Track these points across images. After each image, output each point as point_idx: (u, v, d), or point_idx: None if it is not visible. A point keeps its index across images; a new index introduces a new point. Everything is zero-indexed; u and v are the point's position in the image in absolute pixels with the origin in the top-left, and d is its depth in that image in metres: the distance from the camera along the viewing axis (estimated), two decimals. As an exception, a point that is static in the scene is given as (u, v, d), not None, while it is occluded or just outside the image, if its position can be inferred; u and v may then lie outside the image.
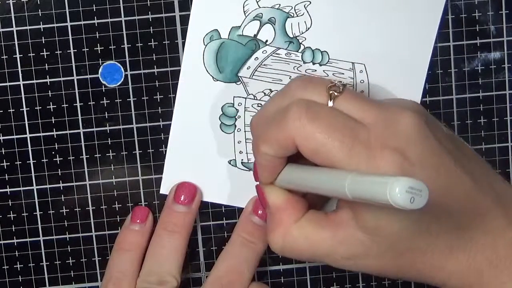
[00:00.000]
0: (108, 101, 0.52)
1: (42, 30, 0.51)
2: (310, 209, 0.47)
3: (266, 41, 0.51)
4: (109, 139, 0.53)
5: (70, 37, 0.52)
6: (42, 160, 0.53)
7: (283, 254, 0.47)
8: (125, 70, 0.52)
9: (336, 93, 0.43)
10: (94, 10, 0.51)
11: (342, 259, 0.45)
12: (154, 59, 0.52)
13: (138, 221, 0.52)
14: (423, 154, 0.42)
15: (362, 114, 0.43)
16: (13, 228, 0.54)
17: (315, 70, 0.51)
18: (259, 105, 0.52)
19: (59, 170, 0.53)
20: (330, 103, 0.43)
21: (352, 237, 0.44)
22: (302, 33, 0.51)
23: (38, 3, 0.51)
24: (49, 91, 0.52)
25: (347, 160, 0.41)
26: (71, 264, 0.54)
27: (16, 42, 0.51)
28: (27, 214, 0.53)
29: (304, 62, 0.51)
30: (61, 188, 0.53)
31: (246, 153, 0.53)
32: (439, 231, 0.43)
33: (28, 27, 0.51)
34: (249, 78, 0.52)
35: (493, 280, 0.44)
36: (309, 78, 0.47)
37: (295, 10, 0.51)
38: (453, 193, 0.43)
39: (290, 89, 0.45)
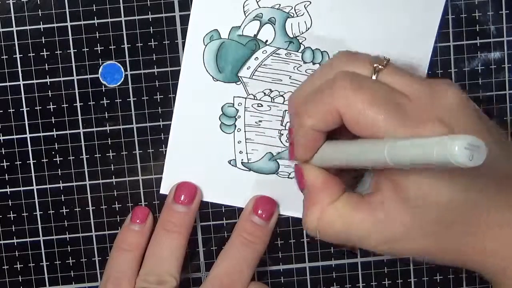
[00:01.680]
0: (108, 101, 0.52)
1: (42, 30, 0.51)
2: (347, 191, 0.46)
3: (266, 41, 0.51)
4: (109, 139, 0.53)
5: (70, 37, 0.52)
6: (42, 160, 0.53)
7: (316, 235, 0.46)
8: (125, 70, 0.52)
9: (380, 67, 0.43)
10: (94, 10, 0.51)
11: (378, 243, 0.44)
12: (154, 59, 0.52)
13: (138, 221, 0.52)
14: (466, 127, 0.42)
15: (405, 87, 0.43)
16: (13, 228, 0.54)
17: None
18: (259, 105, 0.52)
19: (59, 170, 0.53)
20: (374, 77, 0.43)
21: (391, 217, 0.43)
22: (302, 33, 0.51)
23: (38, 3, 0.51)
24: (49, 91, 0.52)
25: (390, 130, 0.41)
26: (71, 264, 0.54)
27: (16, 42, 0.51)
28: (27, 214, 0.53)
29: (304, 62, 0.52)
30: (61, 188, 0.53)
31: (246, 153, 0.53)
32: (485, 205, 0.42)
33: (28, 27, 0.51)
34: (249, 78, 0.52)
35: None
36: (352, 52, 0.46)
37: (295, 10, 0.51)
38: (497, 167, 0.42)
39: (333, 63, 0.45)
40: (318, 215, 0.46)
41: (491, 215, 0.43)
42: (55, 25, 0.51)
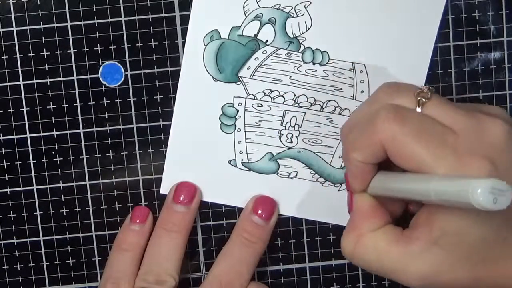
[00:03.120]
0: (108, 101, 0.52)
1: (42, 30, 0.51)
2: (390, 224, 0.46)
3: (266, 41, 0.51)
4: (109, 139, 0.53)
5: (70, 37, 0.52)
6: (42, 160, 0.53)
7: (352, 261, 0.46)
8: (125, 70, 0.52)
9: (424, 99, 0.43)
10: (94, 10, 0.51)
11: (410, 278, 0.44)
12: (154, 59, 0.52)
13: (138, 221, 0.52)
14: (510, 165, 0.42)
15: (450, 120, 0.43)
16: (13, 228, 0.54)
17: (315, 70, 0.51)
18: (259, 105, 0.52)
19: (59, 170, 0.53)
20: (419, 109, 0.43)
21: (425, 252, 0.43)
22: (302, 33, 0.51)
23: (38, 3, 0.51)
24: (49, 91, 0.52)
25: (435, 165, 0.41)
26: (71, 264, 0.54)
27: (16, 42, 0.51)
28: (27, 214, 0.53)
29: (304, 62, 0.52)
30: (61, 188, 0.53)
31: (246, 153, 0.53)
32: None
33: (28, 27, 0.51)
34: (249, 78, 0.52)
35: None
36: (397, 84, 0.46)
37: (295, 10, 0.51)
38: None
39: (378, 96, 0.45)
40: (355, 241, 0.46)
41: None
42: (55, 25, 0.51)
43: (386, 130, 0.42)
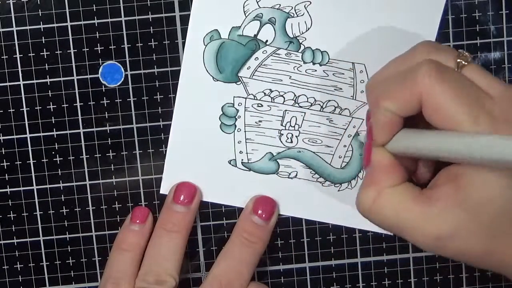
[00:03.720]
0: (108, 101, 0.52)
1: (42, 30, 0.51)
2: (408, 182, 0.45)
3: (266, 41, 0.51)
4: (109, 139, 0.53)
5: (70, 37, 0.52)
6: (42, 160, 0.53)
7: (368, 216, 0.45)
8: (125, 70, 0.52)
9: (463, 62, 0.43)
10: (94, 10, 0.51)
11: (426, 238, 0.43)
12: (154, 59, 0.52)
13: (137, 221, 0.52)
14: None
15: (488, 86, 0.43)
16: (13, 228, 0.54)
17: (315, 70, 0.51)
18: (259, 105, 0.52)
19: (59, 170, 0.53)
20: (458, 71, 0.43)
21: (447, 214, 0.42)
22: (302, 33, 0.51)
23: (38, 3, 0.51)
24: (49, 91, 0.52)
25: (471, 125, 0.41)
26: (71, 264, 0.54)
27: (16, 42, 0.51)
28: (27, 214, 0.53)
29: (304, 62, 0.52)
30: (61, 188, 0.53)
31: (246, 153, 0.53)
32: None
33: (28, 27, 0.51)
34: (249, 78, 0.52)
35: None
36: (437, 43, 0.46)
37: (295, 10, 0.51)
38: None
39: (417, 50, 0.45)
40: (374, 196, 0.45)
41: None
42: (55, 25, 0.51)
43: (426, 85, 0.42)
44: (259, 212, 0.52)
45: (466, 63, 0.43)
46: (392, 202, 0.44)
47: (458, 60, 0.43)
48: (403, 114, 0.44)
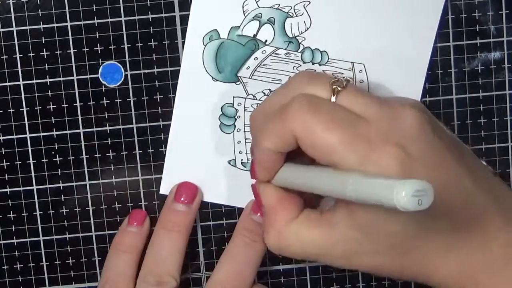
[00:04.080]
0: (108, 101, 0.52)
1: (42, 30, 0.51)
2: (306, 208, 0.46)
3: (266, 41, 0.51)
4: (109, 139, 0.53)
5: (70, 37, 0.52)
6: (42, 160, 0.53)
7: (281, 254, 0.47)
8: (125, 70, 0.52)
9: (339, 88, 0.43)
10: (94, 10, 0.51)
11: (335, 258, 0.45)
12: (154, 59, 0.52)
13: (135, 223, 0.52)
14: (424, 151, 0.42)
15: (364, 109, 0.43)
16: (13, 228, 0.54)
17: (315, 70, 0.51)
18: (259, 105, 0.52)
19: (59, 170, 0.53)
20: (333, 98, 0.43)
21: (346, 237, 0.43)
22: (302, 33, 0.51)
23: (38, 3, 0.51)
24: (49, 91, 0.52)
25: (346, 155, 0.41)
26: (71, 264, 0.54)
27: (16, 42, 0.52)
28: (27, 214, 0.53)
29: (304, 62, 0.51)
30: (61, 188, 0.53)
31: (246, 153, 0.53)
32: (436, 231, 0.43)
33: (28, 27, 0.51)
34: (249, 78, 0.52)
35: (487, 281, 0.43)
36: (312, 73, 0.47)
37: (294, 10, 0.51)
38: (452, 191, 0.43)
39: (292, 84, 0.45)
40: (276, 237, 0.46)
41: (436, 241, 0.43)
42: (55, 25, 0.51)
43: (298, 120, 0.42)
44: (259, 214, 0.52)
45: (341, 89, 0.43)
46: (294, 238, 0.45)
47: (334, 87, 0.43)
48: (282, 151, 0.44)
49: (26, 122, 0.52)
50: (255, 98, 0.52)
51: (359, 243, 0.43)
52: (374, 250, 0.43)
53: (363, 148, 0.41)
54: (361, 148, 0.41)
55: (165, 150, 0.53)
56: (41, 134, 0.52)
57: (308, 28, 0.51)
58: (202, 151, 0.53)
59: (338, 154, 0.41)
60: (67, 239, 0.54)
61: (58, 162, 0.53)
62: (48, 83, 0.52)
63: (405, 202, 0.35)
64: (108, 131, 0.53)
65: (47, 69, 0.52)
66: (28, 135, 0.53)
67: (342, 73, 0.51)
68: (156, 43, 0.52)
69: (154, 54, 0.52)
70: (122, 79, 0.52)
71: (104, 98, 0.52)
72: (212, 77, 0.52)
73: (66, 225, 0.54)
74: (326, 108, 0.42)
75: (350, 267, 0.45)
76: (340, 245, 0.44)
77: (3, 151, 0.53)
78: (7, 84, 0.52)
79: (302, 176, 0.44)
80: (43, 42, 0.52)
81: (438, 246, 0.43)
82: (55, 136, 0.53)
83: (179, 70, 0.52)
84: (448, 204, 0.43)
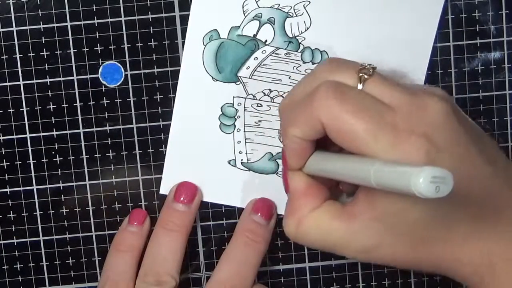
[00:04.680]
0: (108, 101, 0.52)
1: (42, 30, 0.51)
2: (329, 200, 0.46)
3: (266, 41, 0.51)
4: (109, 139, 0.53)
5: (70, 37, 0.52)
6: (42, 160, 0.53)
7: (296, 241, 0.46)
8: (125, 70, 0.52)
9: (366, 76, 0.43)
10: (94, 10, 0.51)
11: (354, 252, 0.44)
12: (154, 59, 0.52)
13: (135, 223, 0.52)
14: (449, 141, 0.42)
15: (390, 97, 0.42)
16: (13, 228, 0.54)
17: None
18: (259, 105, 0.52)
19: (59, 170, 0.53)
20: (360, 86, 0.43)
21: (367, 228, 0.43)
22: (302, 33, 0.51)
23: (38, 3, 0.51)
24: (49, 91, 0.52)
25: (372, 143, 0.41)
26: (71, 264, 0.54)
27: (16, 42, 0.52)
28: (27, 214, 0.53)
29: (304, 62, 0.52)
30: (61, 188, 0.53)
31: (246, 153, 0.53)
32: (456, 220, 0.43)
33: (28, 27, 0.51)
34: (249, 78, 0.52)
35: (504, 273, 0.43)
36: (339, 60, 0.46)
37: (294, 10, 0.51)
38: (474, 182, 0.43)
39: (318, 72, 0.45)
40: (296, 224, 0.46)
41: (456, 231, 0.43)
42: (55, 25, 0.51)
43: (325, 107, 0.42)
44: (259, 214, 0.52)
45: (368, 77, 0.43)
46: (314, 226, 0.45)
47: (360, 75, 0.43)
48: (310, 139, 0.44)
49: (26, 122, 0.52)
50: (255, 98, 0.52)
51: (380, 234, 0.43)
52: (394, 241, 0.43)
53: (389, 137, 0.41)
54: (387, 137, 0.41)
55: (165, 150, 0.53)
56: (41, 134, 0.52)
57: (308, 28, 0.51)
58: (202, 151, 0.53)
59: (363, 142, 0.41)
60: (67, 239, 0.54)
61: (58, 162, 0.53)
62: (48, 83, 0.52)
63: (422, 188, 0.35)
64: (108, 131, 0.53)
65: (47, 69, 0.52)
66: (28, 135, 0.53)
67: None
68: (156, 43, 0.52)
69: (154, 54, 0.52)
70: (122, 79, 0.52)
71: (104, 98, 0.52)
72: (212, 77, 0.52)
73: (66, 225, 0.54)
74: (353, 96, 0.42)
75: (366, 260, 0.45)
76: (360, 237, 0.44)
77: (3, 151, 0.53)
78: (7, 84, 0.52)
79: (330, 163, 0.44)
80: (43, 42, 0.52)
81: (457, 235, 0.43)
82: (55, 136, 0.53)
83: (179, 70, 0.52)
84: (469, 193, 0.42)
